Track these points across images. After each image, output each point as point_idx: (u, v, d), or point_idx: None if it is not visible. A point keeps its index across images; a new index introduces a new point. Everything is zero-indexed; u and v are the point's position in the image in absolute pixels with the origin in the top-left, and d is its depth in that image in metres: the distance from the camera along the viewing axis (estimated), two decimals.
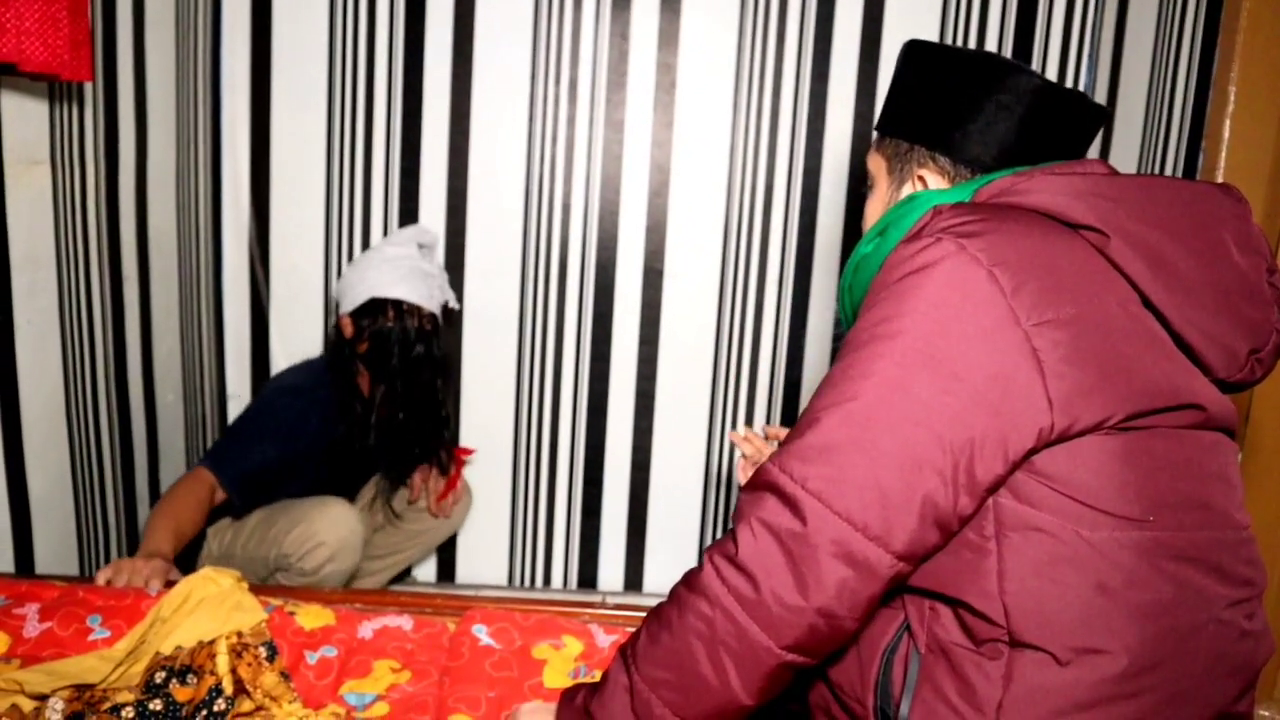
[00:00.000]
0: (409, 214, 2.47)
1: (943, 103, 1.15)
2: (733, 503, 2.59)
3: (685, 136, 2.46)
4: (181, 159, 2.27)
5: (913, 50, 1.21)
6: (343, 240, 2.48)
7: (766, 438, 1.54)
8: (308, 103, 2.42)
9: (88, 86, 1.87)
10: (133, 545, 2.14)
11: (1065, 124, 1.14)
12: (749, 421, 2.60)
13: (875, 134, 1.25)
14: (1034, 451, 0.89)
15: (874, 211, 1.22)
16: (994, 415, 0.88)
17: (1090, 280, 0.92)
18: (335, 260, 2.49)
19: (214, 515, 2.17)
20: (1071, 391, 0.87)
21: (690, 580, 0.98)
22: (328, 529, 2.07)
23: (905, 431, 0.89)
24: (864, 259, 1.14)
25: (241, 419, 2.16)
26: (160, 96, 2.14)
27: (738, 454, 1.57)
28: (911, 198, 1.12)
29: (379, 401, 2.21)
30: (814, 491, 0.90)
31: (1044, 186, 0.98)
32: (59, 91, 1.78)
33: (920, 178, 1.17)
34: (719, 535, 2.64)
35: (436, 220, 2.48)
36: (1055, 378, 0.87)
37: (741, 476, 1.51)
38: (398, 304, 2.17)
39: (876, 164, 1.23)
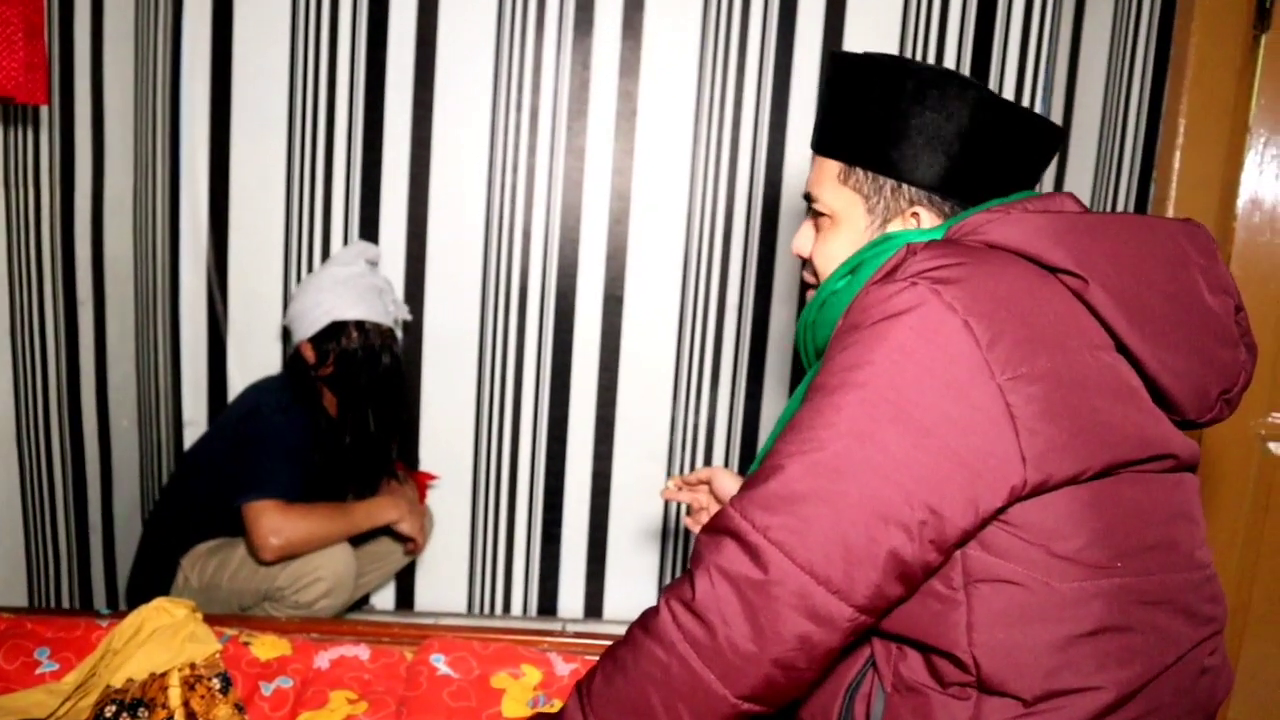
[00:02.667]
0: (370, 240, 2.46)
1: (936, 136, 1.09)
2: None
3: (646, 164, 2.48)
4: (139, 183, 2.25)
5: (875, 65, 1.13)
6: (302, 266, 2.47)
7: (695, 483, 1.52)
8: (268, 127, 2.41)
9: (44, 110, 1.85)
10: (84, 574, 2.10)
11: (1046, 151, 1.13)
12: (707, 461, 2.60)
13: (827, 162, 1.17)
14: (1005, 508, 0.87)
15: (841, 248, 1.16)
16: (965, 471, 0.86)
17: (1065, 329, 0.90)
18: (295, 286, 2.47)
19: (188, 543, 2.15)
20: (1045, 449, 0.86)
21: (646, 623, 0.96)
22: (326, 563, 2.07)
23: (872, 485, 0.86)
24: (833, 296, 1.12)
25: (257, 445, 2.10)
26: (118, 120, 2.13)
27: (682, 506, 1.54)
28: (886, 236, 1.10)
29: (349, 422, 2.20)
30: (776, 541, 0.87)
31: (1020, 226, 0.95)
32: (14, 114, 1.76)
33: (914, 214, 1.12)
34: (680, 562, 2.64)
35: (397, 246, 2.47)
36: (1029, 434, 0.85)
37: (692, 525, 1.49)
38: (359, 324, 2.17)
39: (844, 200, 1.15)
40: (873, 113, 1.12)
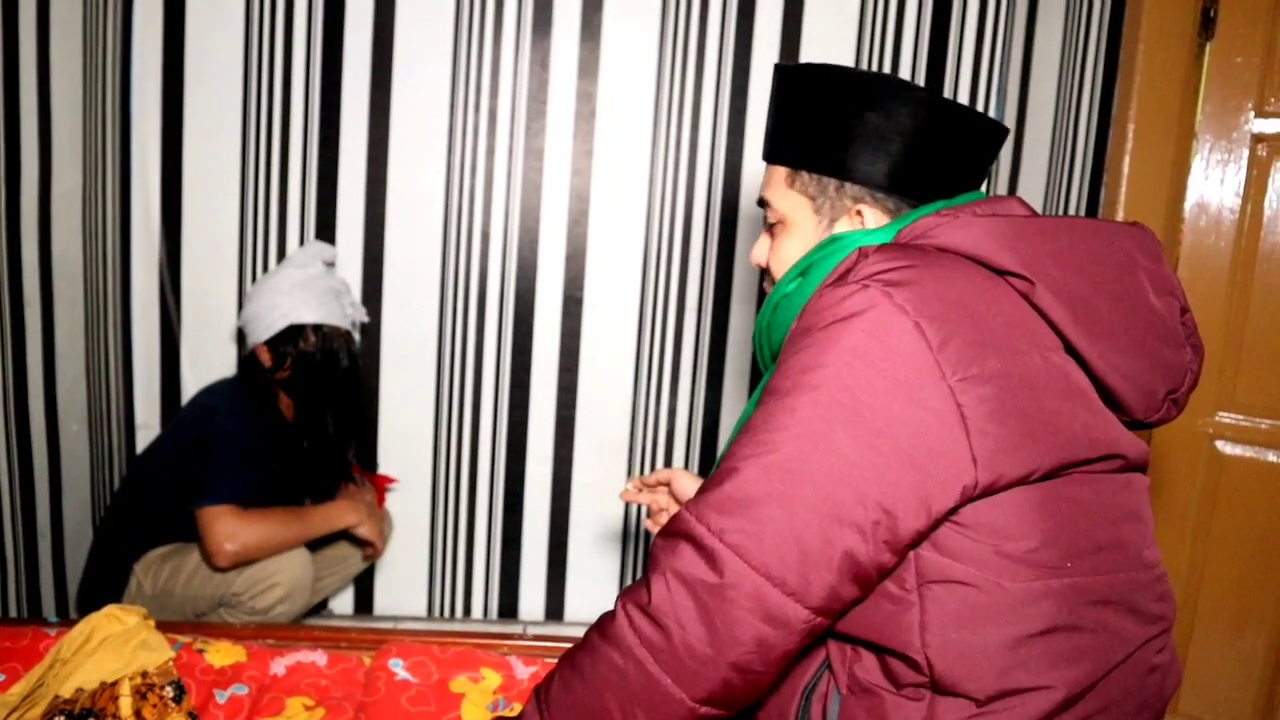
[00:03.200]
0: (326, 240, 2.43)
1: (873, 134, 1.10)
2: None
3: (605, 165, 2.48)
4: (89, 181, 2.20)
5: (813, 73, 1.15)
6: (257, 267, 2.44)
7: (655, 484, 1.52)
8: (222, 126, 2.38)
9: None
10: (32, 582, 2.06)
11: (987, 148, 1.14)
12: (668, 462, 2.60)
13: (777, 169, 1.19)
14: (957, 508, 0.88)
15: (793, 251, 1.17)
16: (917, 472, 0.86)
17: (1014, 331, 0.91)
18: (250, 287, 2.43)
19: (140, 549, 2.11)
20: (995, 449, 0.87)
21: (603, 628, 0.96)
22: (283, 568, 2.04)
23: (826, 487, 0.87)
24: (785, 299, 1.13)
25: (211, 449, 2.06)
26: (66, 115, 2.08)
27: (642, 507, 1.55)
28: (835, 238, 1.11)
29: (305, 426, 2.18)
30: (731, 545, 0.88)
31: (968, 230, 0.96)
32: None
33: (858, 213, 1.13)
34: (640, 564, 2.64)
35: (354, 247, 2.45)
36: (980, 435, 0.86)
37: (652, 527, 1.49)
38: (317, 327, 2.14)
39: (791, 203, 1.17)
40: (814, 118, 1.14)
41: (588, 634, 0.99)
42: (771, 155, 1.21)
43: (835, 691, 0.95)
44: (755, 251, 1.25)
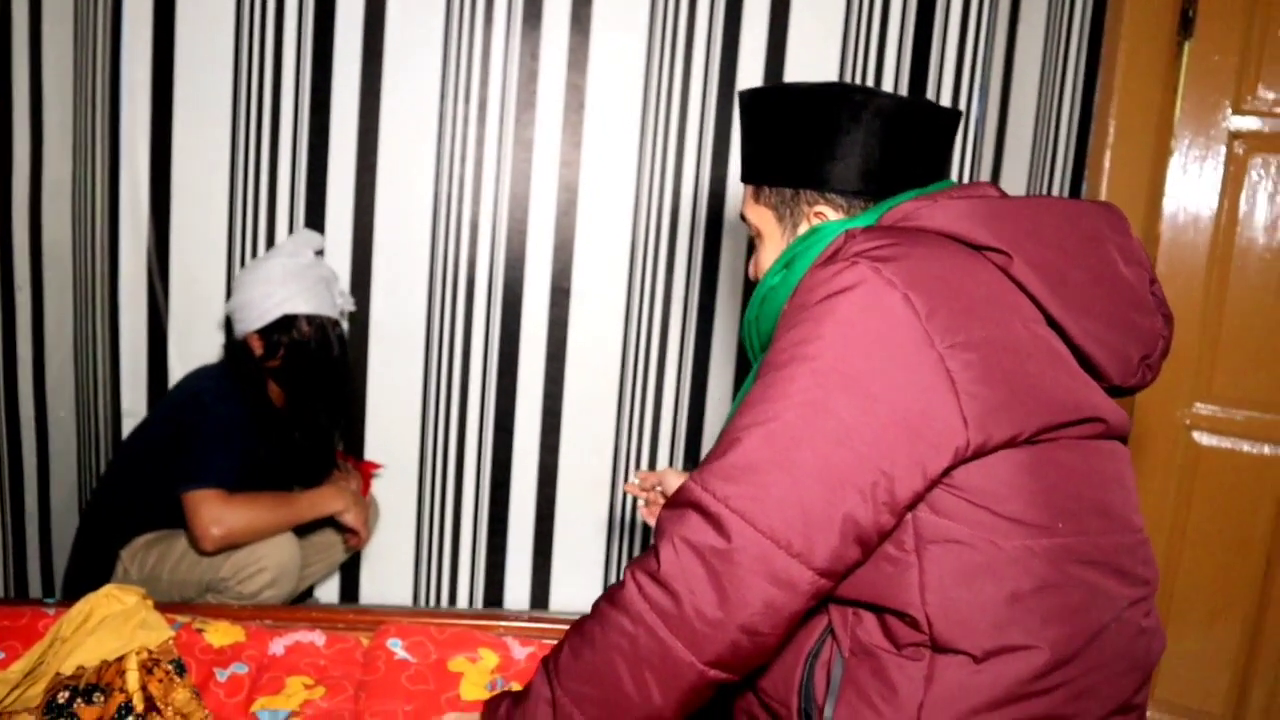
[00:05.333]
0: (315, 228, 2.43)
1: (811, 141, 1.17)
2: (638, 519, 2.62)
3: (593, 157, 2.50)
4: (79, 167, 2.20)
5: (757, 97, 1.24)
6: (246, 254, 2.43)
7: (650, 487, 1.55)
8: (212, 112, 2.37)
9: None
10: (20, 565, 2.05)
11: (928, 133, 1.19)
12: (651, 465, 2.62)
13: (748, 187, 1.26)
14: (951, 469, 0.92)
15: (768, 258, 1.23)
16: (912, 434, 0.91)
17: (996, 301, 0.96)
18: (238, 274, 2.43)
19: (128, 534, 2.11)
20: (984, 410, 0.91)
21: (613, 596, 0.99)
22: (270, 553, 2.04)
23: (826, 450, 0.91)
24: (771, 291, 1.17)
25: (197, 433, 2.06)
26: (56, 100, 2.08)
27: (639, 501, 1.58)
28: (814, 230, 1.16)
29: (298, 414, 2.18)
30: (737, 509, 0.91)
31: (946, 211, 1.02)
32: None
33: (818, 214, 1.18)
34: (624, 553, 2.66)
35: (343, 235, 2.45)
36: (969, 397, 0.91)
37: (648, 516, 1.51)
38: (311, 317, 2.15)
39: (760, 215, 1.24)
40: (765, 135, 1.22)
41: (596, 603, 1.02)
42: (742, 175, 1.28)
43: (838, 656, 0.98)
44: (749, 267, 1.32)
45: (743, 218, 1.29)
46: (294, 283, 2.15)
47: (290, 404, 2.19)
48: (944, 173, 1.22)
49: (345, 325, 2.30)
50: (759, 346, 1.24)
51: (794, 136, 1.18)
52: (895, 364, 0.92)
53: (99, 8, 2.24)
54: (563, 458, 2.62)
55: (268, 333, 2.14)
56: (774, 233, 1.23)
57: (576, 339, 2.57)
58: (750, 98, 1.24)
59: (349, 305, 2.33)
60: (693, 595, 0.92)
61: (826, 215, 1.18)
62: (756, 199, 1.24)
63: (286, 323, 2.14)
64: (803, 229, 1.20)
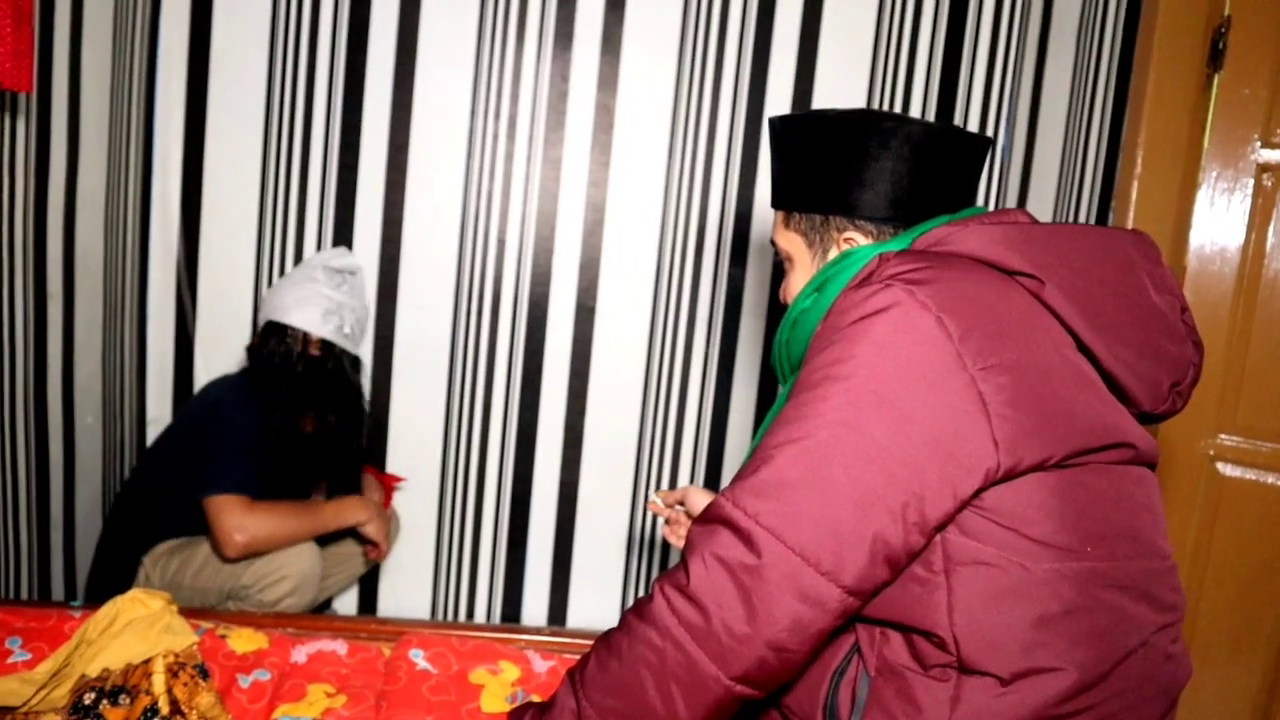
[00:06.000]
0: (343, 243, 2.46)
1: (840, 167, 1.18)
2: (658, 536, 2.62)
3: (621, 177, 2.51)
4: (112, 178, 2.23)
5: (788, 124, 1.25)
6: (274, 267, 2.46)
7: (673, 503, 1.54)
8: (244, 128, 2.41)
9: (22, 97, 1.84)
10: (44, 568, 2.07)
11: (957, 160, 1.19)
12: (673, 484, 2.62)
13: (778, 213, 1.28)
14: (981, 490, 0.93)
15: (798, 282, 1.25)
16: (943, 456, 0.91)
17: (1028, 325, 0.97)
18: (266, 287, 2.46)
19: (150, 540, 2.12)
20: (1015, 433, 0.92)
21: (641, 609, 0.99)
22: (291, 562, 2.06)
23: (858, 469, 0.91)
24: (802, 314, 1.19)
25: (218, 439, 2.09)
26: (94, 114, 2.11)
27: (659, 519, 1.58)
28: (846, 254, 1.17)
29: (270, 425, 2.18)
30: (768, 526, 0.92)
31: (979, 236, 1.03)
32: None
33: (847, 239, 1.19)
34: (643, 570, 2.66)
35: (371, 250, 2.48)
36: (1000, 420, 0.91)
37: (669, 534, 1.51)
38: (295, 332, 2.21)
39: (790, 241, 1.25)
40: (795, 162, 1.24)
41: (624, 616, 1.02)
42: (773, 201, 1.30)
43: (864, 674, 0.98)
44: (781, 292, 1.33)
45: (773, 243, 1.31)
46: (290, 293, 2.20)
47: (265, 412, 2.18)
48: (972, 200, 1.22)
49: (356, 351, 2.31)
50: (789, 369, 1.25)
51: (824, 163, 1.19)
52: (928, 385, 0.92)
53: (137, 23, 2.28)
54: (583, 475, 2.63)
55: (264, 333, 2.21)
56: (804, 258, 1.24)
57: (600, 357, 2.58)
58: (781, 124, 1.26)
59: (351, 345, 2.30)
60: (721, 610, 0.92)
61: (856, 241, 1.19)
62: (787, 224, 1.26)
63: (273, 329, 2.20)
64: (833, 254, 1.21)
